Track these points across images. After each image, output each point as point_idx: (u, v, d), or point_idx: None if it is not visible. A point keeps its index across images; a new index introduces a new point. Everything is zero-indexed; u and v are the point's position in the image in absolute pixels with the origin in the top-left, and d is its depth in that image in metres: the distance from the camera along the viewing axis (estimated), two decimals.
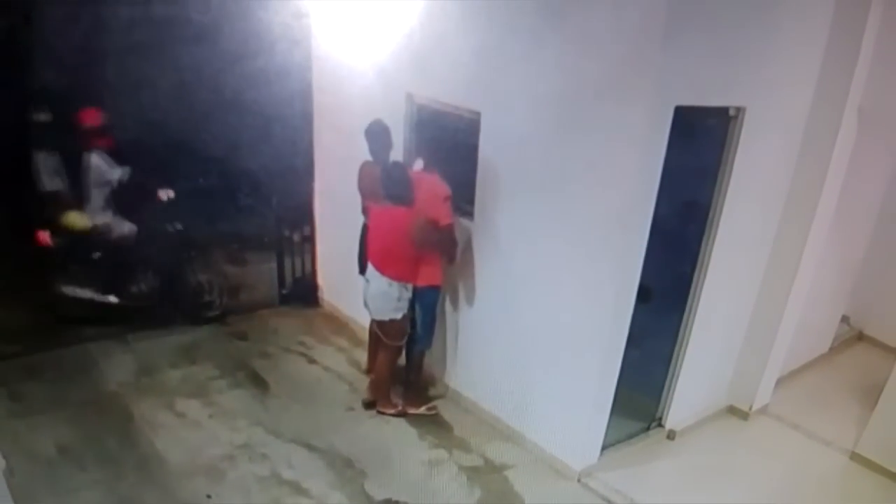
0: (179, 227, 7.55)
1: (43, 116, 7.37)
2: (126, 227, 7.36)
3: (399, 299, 5.75)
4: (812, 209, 5.88)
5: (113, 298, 7.34)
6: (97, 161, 7.16)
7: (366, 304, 5.95)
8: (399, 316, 5.81)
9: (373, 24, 6.41)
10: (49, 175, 7.32)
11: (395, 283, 5.69)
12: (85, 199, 7.30)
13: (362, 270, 6.04)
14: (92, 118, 7.16)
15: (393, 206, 5.60)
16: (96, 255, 7.23)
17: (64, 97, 7.41)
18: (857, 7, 5.35)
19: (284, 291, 8.36)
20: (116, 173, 7.16)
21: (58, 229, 7.03)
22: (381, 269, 5.71)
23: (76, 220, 7.18)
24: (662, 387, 6.06)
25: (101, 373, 6.54)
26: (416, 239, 5.56)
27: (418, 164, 5.94)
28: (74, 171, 7.30)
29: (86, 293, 7.21)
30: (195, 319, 7.71)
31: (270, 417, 6.08)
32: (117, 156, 7.23)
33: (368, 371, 6.57)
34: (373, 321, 6.14)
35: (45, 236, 6.95)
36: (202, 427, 5.90)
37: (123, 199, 7.36)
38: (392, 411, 6.16)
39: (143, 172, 7.31)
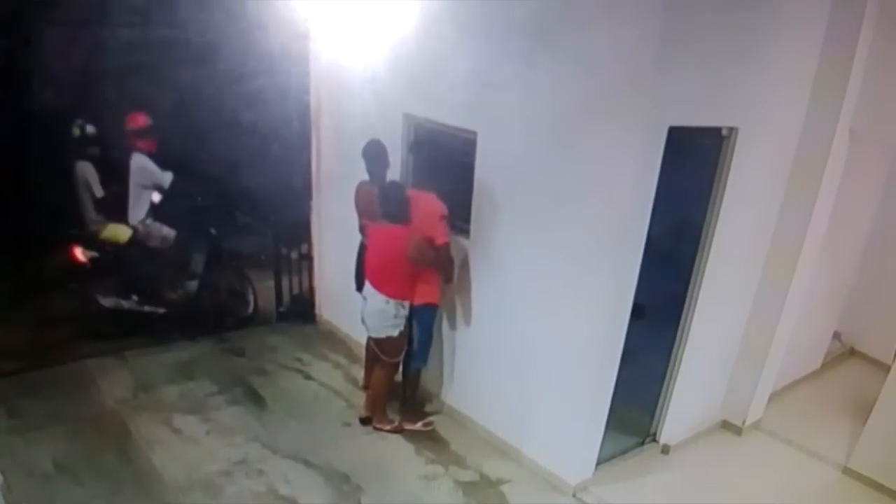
0: (214, 231, 7.70)
1: (88, 129, 7.51)
2: (164, 232, 7.44)
3: (396, 316, 5.76)
4: (804, 227, 5.93)
5: (152, 307, 7.50)
6: (145, 162, 7.27)
7: (363, 322, 5.97)
8: (396, 333, 5.83)
9: (370, 45, 6.45)
10: (88, 185, 7.51)
11: (391, 301, 5.71)
12: (130, 203, 7.45)
13: (359, 288, 6.07)
14: (138, 121, 7.28)
15: (390, 224, 5.63)
16: (136, 264, 7.40)
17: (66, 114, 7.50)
18: (848, 29, 5.42)
19: (282, 309, 8.38)
20: (168, 177, 7.29)
21: (93, 243, 7.19)
22: (378, 286, 5.74)
23: (118, 232, 7.32)
24: (657, 402, 6.10)
25: (98, 389, 6.54)
26: (412, 257, 5.58)
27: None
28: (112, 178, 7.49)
29: (126, 303, 7.34)
30: (232, 322, 7.95)
31: (267, 433, 6.09)
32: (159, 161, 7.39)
33: (365, 387, 6.59)
34: (370, 338, 6.17)
35: (78, 252, 7.06)
36: (199, 443, 5.90)
37: (165, 204, 7.49)
38: (388, 427, 6.17)
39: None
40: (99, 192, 7.55)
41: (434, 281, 5.87)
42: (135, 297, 7.36)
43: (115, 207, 7.48)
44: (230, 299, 8.08)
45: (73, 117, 7.41)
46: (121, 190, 7.47)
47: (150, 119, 7.37)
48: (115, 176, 7.48)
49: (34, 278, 7.47)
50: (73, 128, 7.37)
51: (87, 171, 7.47)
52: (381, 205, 5.68)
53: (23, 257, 7.38)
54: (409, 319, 5.93)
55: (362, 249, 6.19)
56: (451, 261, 5.84)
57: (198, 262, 7.73)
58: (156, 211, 7.51)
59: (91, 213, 7.57)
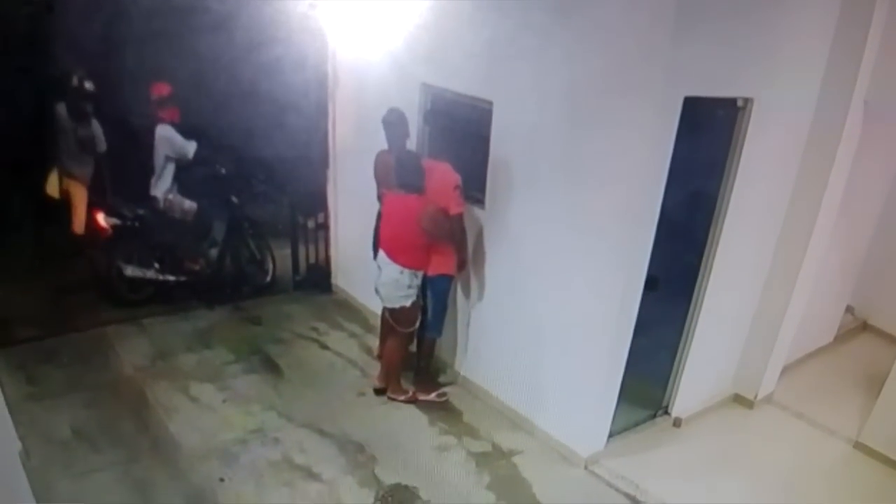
0: (236, 200, 7.78)
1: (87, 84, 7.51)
2: (187, 205, 7.49)
3: (409, 286, 5.79)
4: (818, 200, 5.91)
5: (173, 276, 7.60)
6: (170, 133, 7.32)
7: (377, 292, 6.00)
8: (409, 303, 5.86)
9: (388, 15, 6.44)
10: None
11: (406, 271, 5.74)
12: (154, 174, 7.50)
13: (376, 256, 6.11)
14: (163, 91, 7.30)
15: (405, 194, 5.65)
16: (158, 233, 7.49)
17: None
18: (864, 0, 5.38)
19: (298, 278, 8.41)
20: (192, 146, 7.35)
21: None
22: (393, 256, 5.76)
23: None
24: (669, 375, 6.12)
25: (116, 356, 6.62)
26: (425, 227, 5.60)
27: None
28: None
29: (148, 272, 7.44)
30: (250, 291, 8.06)
31: (283, 402, 6.15)
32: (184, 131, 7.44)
33: (379, 357, 6.62)
34: (384, 308, 6.19)
35: (100, 219, 7.13)
36: (216, 411, 5.97)
37: (188, 174, 7.58)
38: (402, 398, 6.22)
39: None
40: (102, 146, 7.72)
41: (449, 251, 5.87)
42: (156, 266, 7.42)
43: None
44: (249, 267, 8.14)
45: (95, 85, 7.42)
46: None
47: (173, 88, 7.37)
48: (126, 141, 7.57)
49: (54, 244, 7.52)
50: (71, 77, 7.39)
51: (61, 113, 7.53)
52: (397, 174, 5.70)
53: (43, 223, 7.43)
54: (424, 289, 5.96)
55: (379, 218, 6.19)
56: (463, 231, 5.86)
57: (219, 230, 7.80)
58: (178, 180, 7.56)
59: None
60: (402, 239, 5.76)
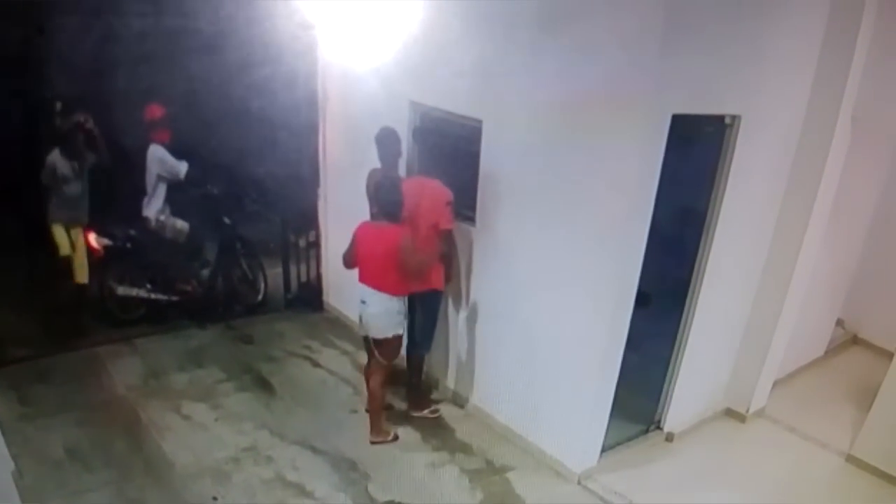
0: (228, 220, 7.79)
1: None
2: (179, 225, 7.49)
3: (399, 312, 5.64)
4: (807, 215, 5.96)
5: (165, 296, 7.60)
6: (162, 154, 7.28)
7: (365, 325, 5.72)
8: (402, 330, 5.73)
9: (377, 33, 6.48)
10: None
11: (395, 298, 5.58)
12: (147, 195, 7.46)
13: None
14: (156, 113, 7.26)
15: (382, 224, 5.51)
16: (150, 253, 7.48)
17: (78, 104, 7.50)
18: (850, 17, 5.44)
19: (290, 296, 8.44)
20: (184, 167, 7.30)
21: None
22: (380, 286, 5.53)
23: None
24: (661, 390, 6.14)
25: (109, 376, 6.62)
26: (405, 260, 5.41)
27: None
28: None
29: (141, 292, 7.44)
30: (241, 309, 8.08)
31: (275, 420, 6.15)
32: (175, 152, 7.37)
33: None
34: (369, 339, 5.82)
35: (92, 239, 7.11)
36: (208, 430, 5.97)
37: (180, 194, 7.56)
38: (388, 439, 6.00)
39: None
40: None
41: (439, 267, 5.88)
42: (148, 285, 7.44)
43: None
44: (241, 286, 8.16)
45: (85, 106, 7.33)
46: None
47: (165, 109, 7.38)
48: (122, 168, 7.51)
49: (47, 265, 7.51)
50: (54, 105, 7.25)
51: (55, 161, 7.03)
52: (376, 200, 5.63)
53: (36, 244, 7.41)
54: (412, 305, 5.94)
55: (354, 245, 5.98)
56: (452, 246, 5.89)
57: (210, 249, 7.84)
58: (170, 200, 7.56)
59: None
60: (388, 270, 5.48)
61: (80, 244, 7.21)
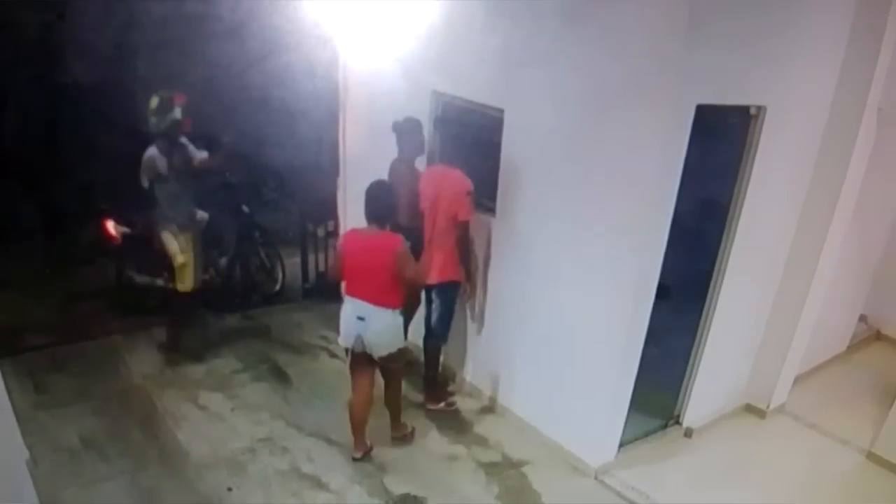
0: (246, 209, 7.79)
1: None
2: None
3: (401, 322, 5.36)
4: (831, 209, 5.88)
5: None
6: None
7: (365, 344, 5.22)
8: (405, 342, 5.50)
9: (398, 22, 6.44)
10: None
11: (396, 311, 5.20)
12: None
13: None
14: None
15: (372, 232, 5.13)
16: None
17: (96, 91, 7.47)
18: (878, 7, 5.34)
19: (307, 286, 8.42)
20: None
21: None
22: (378, 302, 5.10)
23: None
24: (680, 384, 6.09)
25: (125, 365, 6.64)
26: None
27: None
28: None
29: (159, 281, 7.37)
30: (259, 299, 8.10)
31: (292, 411, 6.14)
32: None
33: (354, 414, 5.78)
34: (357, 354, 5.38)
35: (110, 227, 7.07)
36: (224, 420, 5.97)
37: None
38: (404, 433, 5.86)
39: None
40: None
41: (455, 258, 5.85)
42: (166, 274, 7.41)
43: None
44: (259, 276, 8.16)
45: (106, 92, 7.23)
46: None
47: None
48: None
49: (65, 253, 7.52)
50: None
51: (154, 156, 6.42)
52: (366, 205, 5.20)
53: (54, 231, 7.42)
54: (429, 296, 5.92)
55: (343, 257, 5.51)
56: (469, 237, 5.83)
57: (229, 239, 7.81)
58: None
59: None
60: (385, 283, 5.08)
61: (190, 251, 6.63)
